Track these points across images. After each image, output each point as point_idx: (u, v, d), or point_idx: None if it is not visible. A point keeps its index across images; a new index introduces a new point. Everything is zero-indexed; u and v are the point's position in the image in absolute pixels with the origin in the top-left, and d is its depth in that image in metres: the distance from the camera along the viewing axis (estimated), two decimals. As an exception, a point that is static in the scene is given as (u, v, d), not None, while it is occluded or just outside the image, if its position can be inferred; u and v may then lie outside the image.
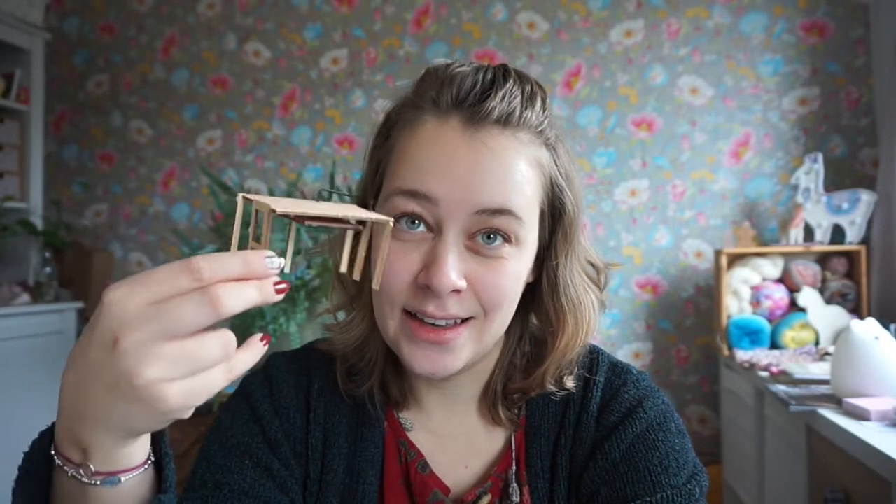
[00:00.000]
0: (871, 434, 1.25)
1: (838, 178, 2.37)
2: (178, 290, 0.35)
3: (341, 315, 0.66)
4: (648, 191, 2.55)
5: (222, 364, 0.37)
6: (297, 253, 2.16)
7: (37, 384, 2.51)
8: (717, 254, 2.28)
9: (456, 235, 0.53)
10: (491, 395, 0.64)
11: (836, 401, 1.49)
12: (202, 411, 2.27)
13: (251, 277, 0.37)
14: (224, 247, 2.19)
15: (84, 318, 2.86)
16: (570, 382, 0.63)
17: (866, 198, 2.15)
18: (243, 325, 2.01)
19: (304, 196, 2.61)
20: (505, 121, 0.54)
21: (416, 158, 0.54)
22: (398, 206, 0.54)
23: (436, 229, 0.54)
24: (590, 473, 0.59)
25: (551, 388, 0.62)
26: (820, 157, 2.24)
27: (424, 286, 0.53)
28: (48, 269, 2.70)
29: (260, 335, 0.40)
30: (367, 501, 0.60)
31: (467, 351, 0.56)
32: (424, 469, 0.62)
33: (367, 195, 0.62)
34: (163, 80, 2.98)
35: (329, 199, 0.45)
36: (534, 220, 0.57)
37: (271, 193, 2.39)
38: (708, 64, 2.51)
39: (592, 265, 0.64)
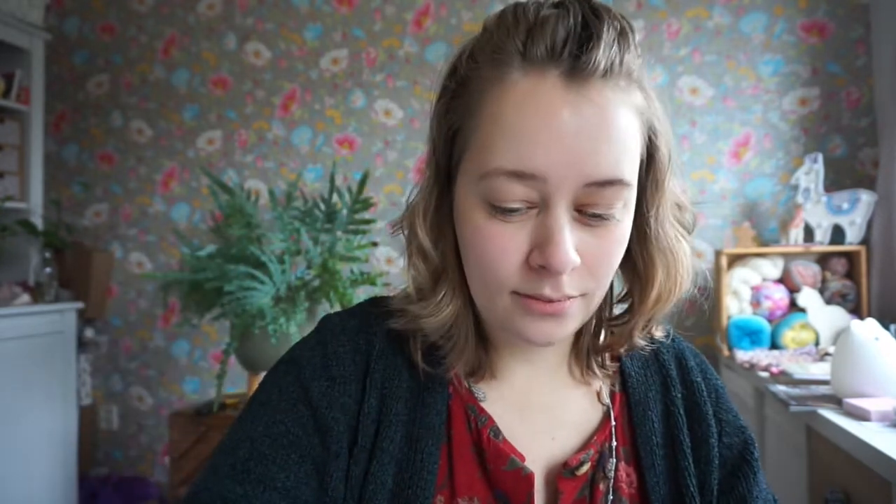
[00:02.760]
0: (872, 434, 1.25)
1: (838, 179, 2.37)
2: None
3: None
4: (648, 191, 2.55)
5: None
6: (297, 253, 2.16)
7: (37, 384, 2.51)
8: (718, 254, 2.28)
9: (566, 209, 0.48)
10: (584, 357, 0.62)
11: (836, 401, 1.49)
12: (202, 412, 2.27)
13: None
14: (223, 246, 2.19)
15: (84, 318, 2.87)
16: (659, 333, 0.61)
17: (866, 198, 2.15)
18: (243, 325, 2.01)
19: (303, 196, 2.61)
20: (610, 71, 0.47)
21: (515, 129, 0.47)
22: (502, 189, 0.48)
23: (541, 204, 0.48)
24: (716, 476, 0.60)
25: (640, 342, 0.59)
26: (820, 157, 2.24)
27: (538, 267, 0.49)
28: (48, 269, 2.70)
29: None
30: (426, 470, 0.54)
31: (578, 319, 0.53)
32: (497, 436, 0.56)
33: (440, 167, 0.55)
34: (163, 80, 2.97)
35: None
36: (636, 173, 0.52)
37: (271, 194, 2.39)
38: (708, 64, 2.51)
39: (681, 208, 0.59)
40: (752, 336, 2.16)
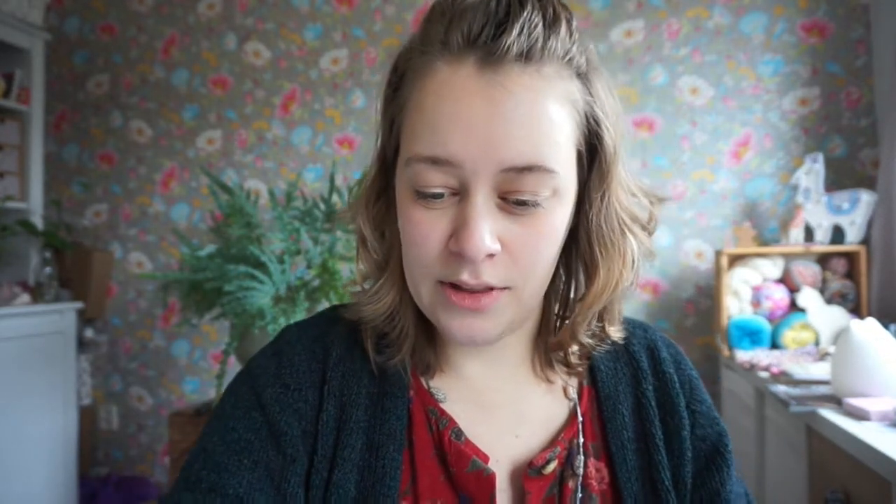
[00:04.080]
0: (872, 434, 1.25)
1: (838, 179, 2.37)
2: None
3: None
4: (648, 191, 2.55)
5: None
6: (297, 252, 2.16)
7: (37, 384, 2.51)
8: (718, 254, 2.28)
9: (485, 196, 0.48)
10: (542, 354, 0.60)
11: (836, 401, 1.49)
12: (202, 412, 2.27)
13: None
14: (223, 246, 2.19)
15: (84, 318, 2.87)
16: (618, 333, 0.59)
17: (866, 198, 2.15)
18: (243, 325, 2.01)
19: (303, 196, 2.61)
20: (527, 56, 0.47)
21: (431, 116, 0.48)
22: (422, 175, 0.49)
23: (462, 192, 0.49)
24: (689, 459, 0.59)
25: (588, 341, 0.58)
26: (820, 157, 2.24)
27: (457, 253, 0.49)
28: (48, 269, 2.70)
29: None
30: (389, 476, 0.54)
31: (507, 316, 0.52)
32: (459, 437, 0.56)
33: (387, 155, 0.56)
34: (163, 80, 2.98)
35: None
36: (570, 167, 0.51)
37: (271, 194, 2.39)
38: (708, 64, 2.51)
39: (639, 221, 0.57)
40: (752, 336, 2.16)
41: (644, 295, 2.55)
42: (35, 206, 2.74)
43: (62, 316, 2.65)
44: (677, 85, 2.53)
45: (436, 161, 0.48)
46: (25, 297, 2.55)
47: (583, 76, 0.52)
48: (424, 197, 0.49)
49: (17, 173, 2.73)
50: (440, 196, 0.49)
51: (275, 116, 2.87)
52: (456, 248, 0.48)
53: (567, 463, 0.57)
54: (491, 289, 0.50)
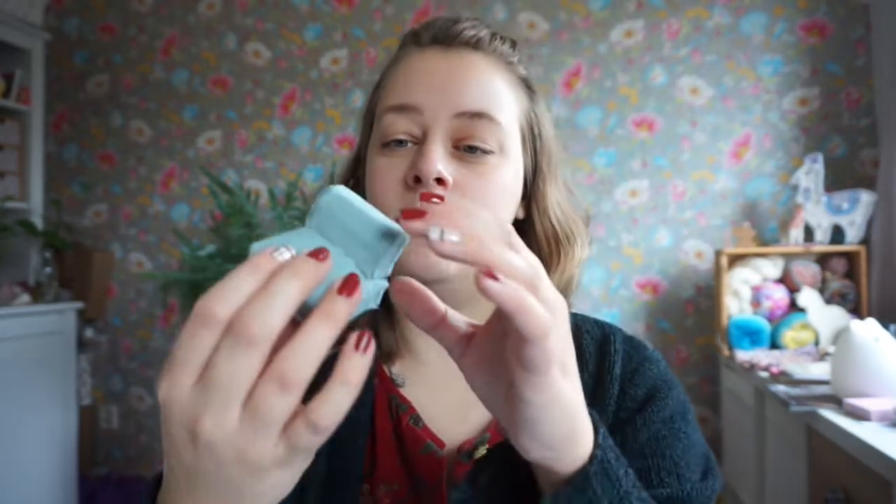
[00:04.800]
0: (872, 434, 1.25)
1: (838, 179, 2.37)
2: (209, 349, 0.31)
3: None
4: (649, 191, 2.55)
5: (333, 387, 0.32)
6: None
7: (37, 384, 2.51)
8: (718, 254, 2.28)
9: (442, 139, 0.55)
10: None
11: (836, 401, 1.49)
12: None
13: (271, 285, 0.32)
14: (223, 246, 2.19)
15: (84, 318, 2.87)
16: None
17: (866, 198, 2.15)
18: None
19: (303, 196, 2.61)
20: (476, 44, 0.59)
21: (401, 79, 0.58)
22: (388, 124, 0.57)
23: (421, 138, 0.56)
24: (616, 442, 0.57)
25: None
26: (820, 157, 2.24)
27: (413, 180, 0.54)
28: (48, 269, 2.70)
29: (355, 339, 0.33)
30: (353, 461, 0.57)
31: None
32: (417, 423, 0.58)
33: (360, 151, 0.64)
34: (163, 80, 2.98)
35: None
36: (514, 134, 0.59)
37: (271, 194, 2.39)
38: (708, 64, 2.51)
39: (574, 207, 0.66)
40: (752, 336, 2.16)
41: (644, 295, 2.55)
42: (35, 206, 2.74)
43: (62, 316, 2.65)
44: (677, 85, 2.53)
45: (401, 108, 0.56)
46: (25, 297, 2.55)
47: (525, 84, 0.62)
48: (388, 145, 0.57)
49: (17, 173, 2.73)
50: (403, 143, 0.56)
51: (275, 116, 2.87)
52: (413, 173, 0.54)
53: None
54: None
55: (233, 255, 2.12)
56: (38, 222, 2.73)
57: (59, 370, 2.61)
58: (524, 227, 0.63)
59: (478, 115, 0.56)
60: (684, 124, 2.53)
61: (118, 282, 3.01)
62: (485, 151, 0.56)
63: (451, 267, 0.54)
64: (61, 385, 2.61)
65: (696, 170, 2.52)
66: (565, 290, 0.62)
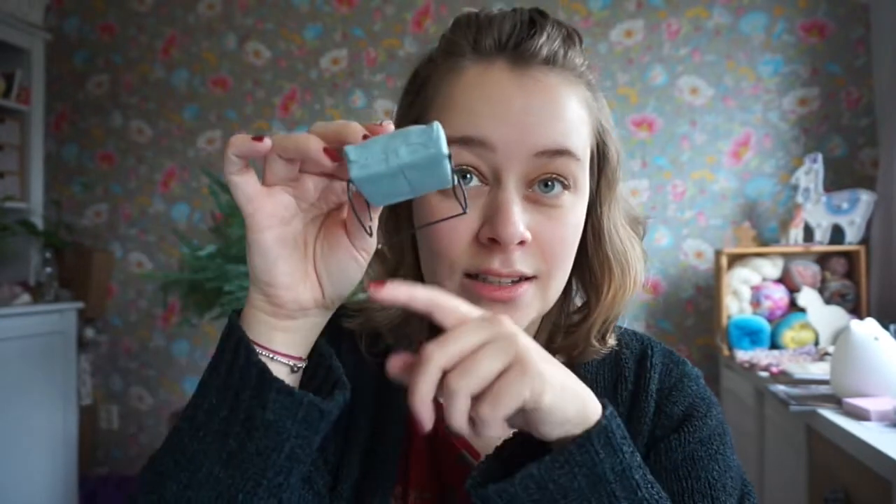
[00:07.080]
0: (871, 434, 1.25)
1: (838, 179, 2.37)
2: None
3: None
4: (648, 191, 2.55)
5: None
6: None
7: (37, 384, 2.51)
8: (717, 254, 2.28)
9: (516, 183, 0.50)
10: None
11: (836, 401, 1.49)
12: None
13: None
14: (223, 246, 2.19)
15: (84, 318, 2.87)
16: (612, 340, 0.60)
17: (866, 198, 2.15)
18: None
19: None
20: (553, 60, 0.51)
21: (465, 104, 0.50)
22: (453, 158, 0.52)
23: (492, 180, 0.50)
24: (649, 462, 0.55)
25: (595, 344, 0.59)
26: (820, 157, 2.24)
27: (488, 241, 0.49)
28: (48, 269, 2.70)
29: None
30: (386, 462, 0.56)
31: (533, 309, 0.52)
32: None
33: None
34: (163, 80, 2.97)
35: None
36: (587, 161, 0.54)
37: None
38: (708, 64, 2.51)
39: (632, 217, 0.62)
40: (752, 336, 2.16)
41: (644, 295, 2.55)
42: (35, 206, 2.74)
43: (62, 316, 2.65)
44: (677, 85, 2.53)
45: (468, 141, 0.49)
46: (25, 297, 2.55)
47: (591, 86, 0.55)
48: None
49: (18, 173, 2.73)
50: (467, 178, 0.50)
51: (275, 116, 2.87)
52: (490, 234, 0.49)
53: None
54: (519, 281, 0.51)
55: (233, 255, 2.12)
56: (39, 222, 2.72)
57: (60, 370, 2.61)
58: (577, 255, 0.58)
59: (558, 153, 0.50)
60: (684, 124, 2.53)
61: (118, 282, 3.01)
62: (564, 186, 0.51)
63: (523, 323, 0.52)
64: (61, 385, 2.61)
65: (695, 170, 2.52)
66: (611, 323, 0.59)
